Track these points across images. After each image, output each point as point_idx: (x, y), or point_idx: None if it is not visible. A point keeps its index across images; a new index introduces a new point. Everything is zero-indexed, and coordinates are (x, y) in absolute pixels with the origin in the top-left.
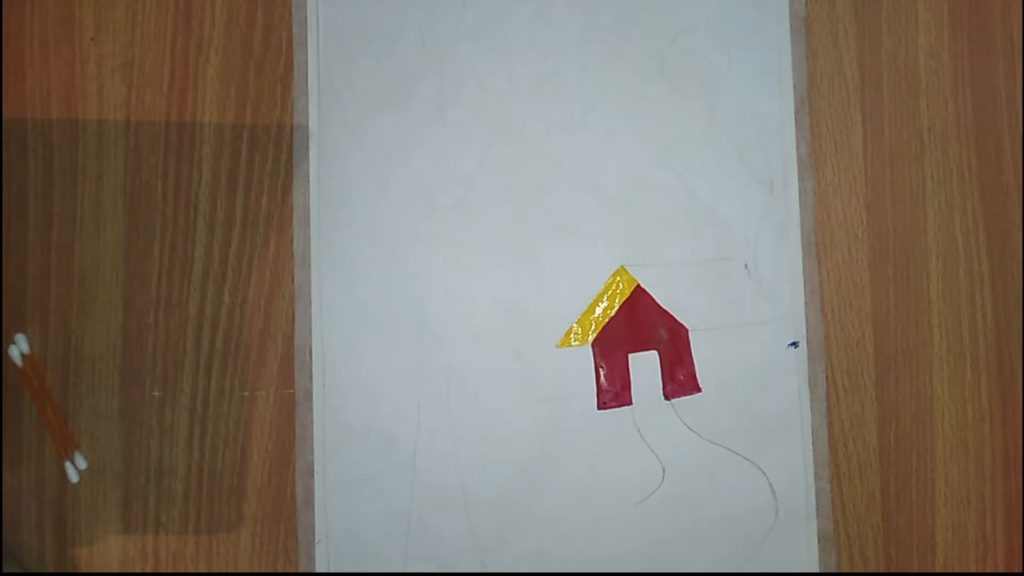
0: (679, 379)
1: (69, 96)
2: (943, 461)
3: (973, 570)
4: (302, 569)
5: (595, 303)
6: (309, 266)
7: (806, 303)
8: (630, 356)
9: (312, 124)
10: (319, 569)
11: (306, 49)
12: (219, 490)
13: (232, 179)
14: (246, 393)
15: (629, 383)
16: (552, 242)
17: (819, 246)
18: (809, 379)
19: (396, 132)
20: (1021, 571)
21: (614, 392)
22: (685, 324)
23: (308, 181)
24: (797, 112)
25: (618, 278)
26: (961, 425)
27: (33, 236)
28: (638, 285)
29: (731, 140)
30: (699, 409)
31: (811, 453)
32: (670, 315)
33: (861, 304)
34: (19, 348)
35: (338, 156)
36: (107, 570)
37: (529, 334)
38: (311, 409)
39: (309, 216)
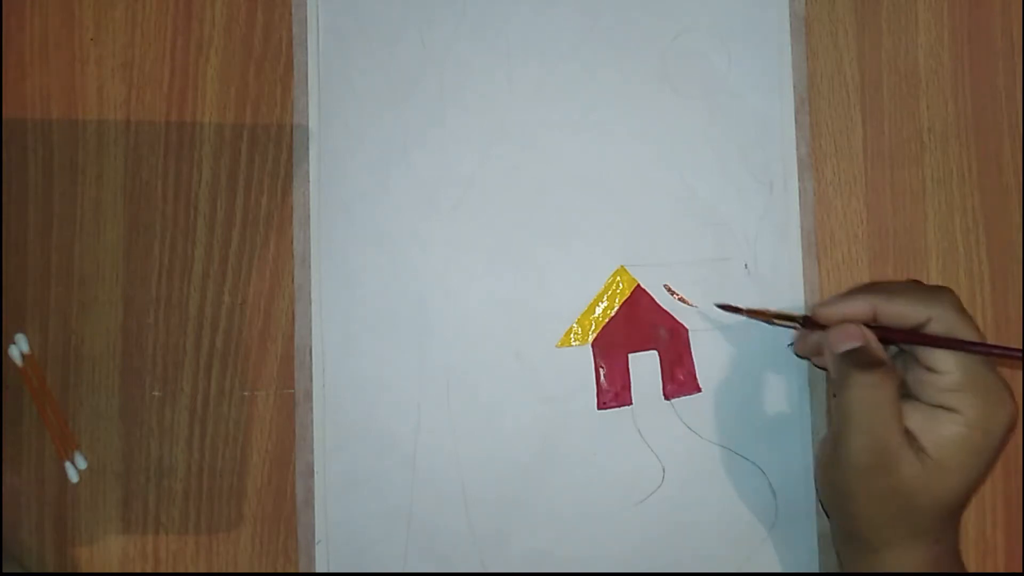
0: (679, 379)
1: (69, 96)
2: None
3: (973, 570)
4: (302, 569)
5: (595, 303)
6: (309, 266)
7: (806, 303)
8: (630, 356)
9: (312, 124)
10: (319, 569)
11: (306, 49)
12: (219, 490)
13: (232, 179)
14: (246, 393)
15: (629, 383)
16: (552, 242)
17: (819, 246)
18: (809, 379)
19: (396, 132)
20: (1021, 571)
21: (614, 392)
22: (685, 324)
23: (308, 181)
24: (797, 112)
25: (618, 278)
26: None
27: (33, 236)
28: (638, 285)
29: (731, 140)
30: (699, 409)
31: (811, 453)
32: (670, 315)
33: None
34: (19, 348)
35: (338, 156)
36: (107, 570)
37: (529, 334)
38: (311, 409)
39: (309, 216)
